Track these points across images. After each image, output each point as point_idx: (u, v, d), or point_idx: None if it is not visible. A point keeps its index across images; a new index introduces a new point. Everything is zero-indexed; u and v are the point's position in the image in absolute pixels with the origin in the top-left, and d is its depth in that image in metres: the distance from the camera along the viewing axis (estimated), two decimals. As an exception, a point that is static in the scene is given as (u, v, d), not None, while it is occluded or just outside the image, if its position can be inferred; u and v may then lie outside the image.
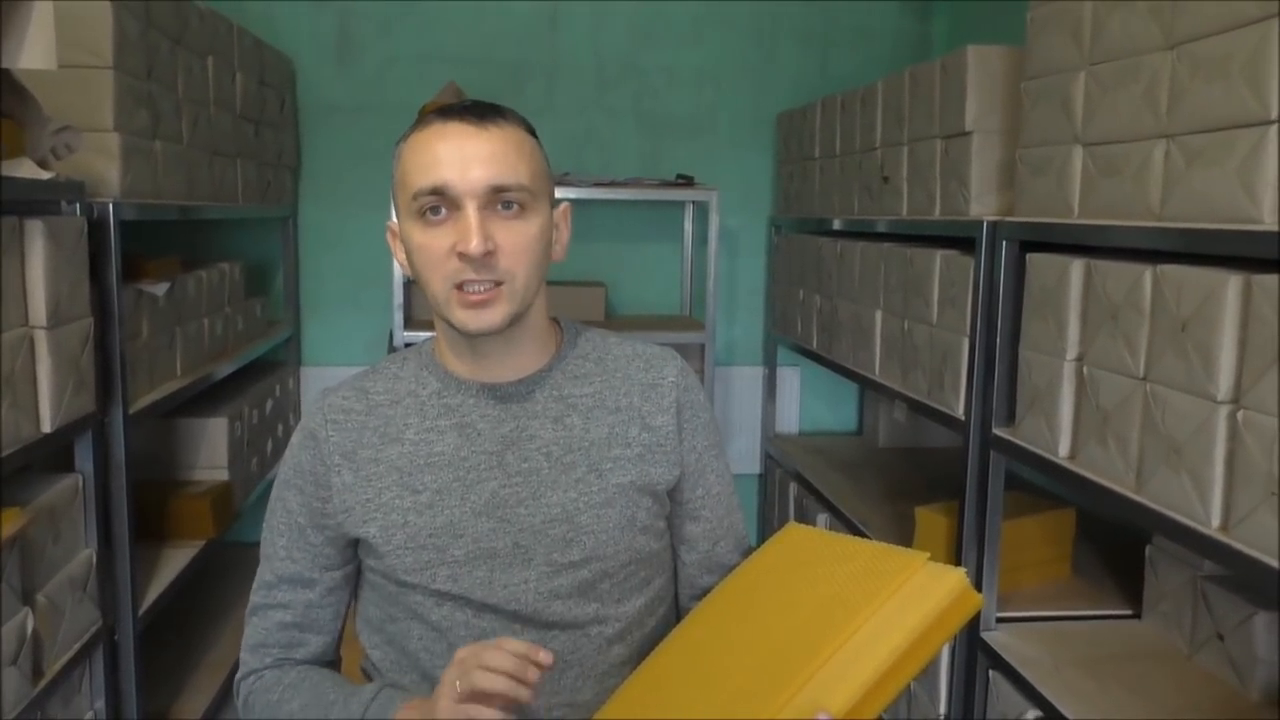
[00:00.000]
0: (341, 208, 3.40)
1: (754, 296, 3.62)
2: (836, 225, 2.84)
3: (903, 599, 0.91)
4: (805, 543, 1.10)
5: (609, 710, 1.07)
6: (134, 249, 2.04)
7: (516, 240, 1.06)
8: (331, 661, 1.23)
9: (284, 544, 1.17)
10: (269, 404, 3.04)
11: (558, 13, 3.42)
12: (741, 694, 0.91)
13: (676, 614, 1.26)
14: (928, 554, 0.95)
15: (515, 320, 1.09)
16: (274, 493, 1.20)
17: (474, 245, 1.02)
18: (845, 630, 0.90)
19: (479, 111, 1.08)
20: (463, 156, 1.04)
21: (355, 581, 1.22)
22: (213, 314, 2.61)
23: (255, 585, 1.21)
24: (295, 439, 1.18)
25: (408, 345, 2.85)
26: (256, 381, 3.02)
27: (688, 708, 0.97)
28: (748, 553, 1.23)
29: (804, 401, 3.66)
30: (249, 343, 2.90)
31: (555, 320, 1.23)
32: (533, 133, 1.13)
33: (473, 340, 1.11)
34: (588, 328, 1.25)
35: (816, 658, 0.89)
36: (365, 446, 1.14)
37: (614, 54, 3.46)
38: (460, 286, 1.05)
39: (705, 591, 1.20)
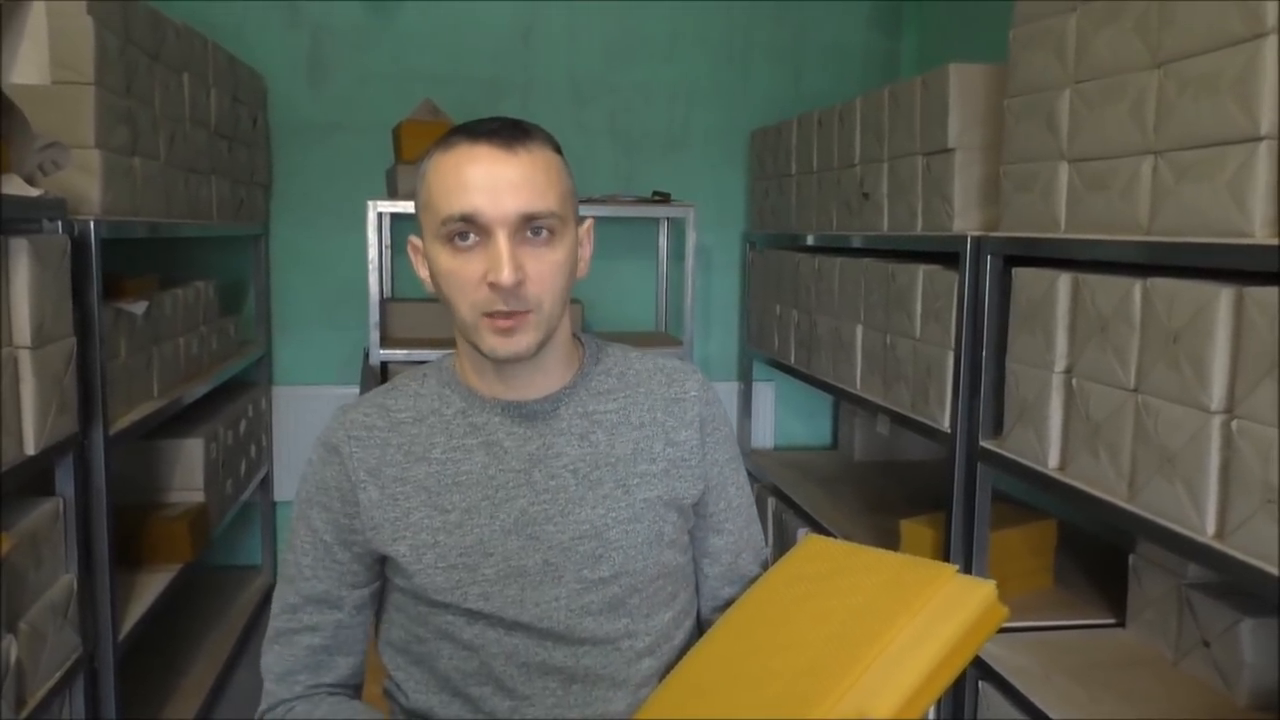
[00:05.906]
0: (313, 226, 3.37)
1: (728, 312, 3.64)
2: (811, 241, 2.86)
3: (936, 609, 0.92)
4: (827, 553, 1.11)
5: (645, 712, 1.07)
6: (110, 267, 2.01)
7: (545, 268, 1.05)
8: (359, 685, 1.22)
9: (309, 563, 1.15)
10: (242, 424, 3.00)
11: (531, 30, 3.43)
12: (783, 698, 0.91)
13: (699, 626, 1.26)
14: (957, 566, 0.96)
15: (543, 344, 1.09)
16: (295, 512, 1.18)
17: (505, 276, 1.01)
18: (884, 637, 0.91)
19: (507, 134, 1.06)
20: (493, 183, 1.03)
21: (379, 601, 1.20)
22: (188, 333, 2.57)
23: (276, 610, 1.18)
24: (315, 456, 1.16)
25: (384, 364, 2.86)
26: (230, 402, 2.98)
27: (728, 710, 0.97)
28: (766, 564, 1.24)
29: (779, 416, 3.68)
30: (222, 362, 2.85)
31: (577, 337, 1.23)
32: (559, 150, 1.12)
33: (499, 362, 1.10)
34: (608, 343, 1.25)
35: (858, 664, 0.89)
36: (390, 464, 1.12)
37: (588, 71, 3.47)
38: (489, 314, 1.04)
39: (727, 603, 1.20)
